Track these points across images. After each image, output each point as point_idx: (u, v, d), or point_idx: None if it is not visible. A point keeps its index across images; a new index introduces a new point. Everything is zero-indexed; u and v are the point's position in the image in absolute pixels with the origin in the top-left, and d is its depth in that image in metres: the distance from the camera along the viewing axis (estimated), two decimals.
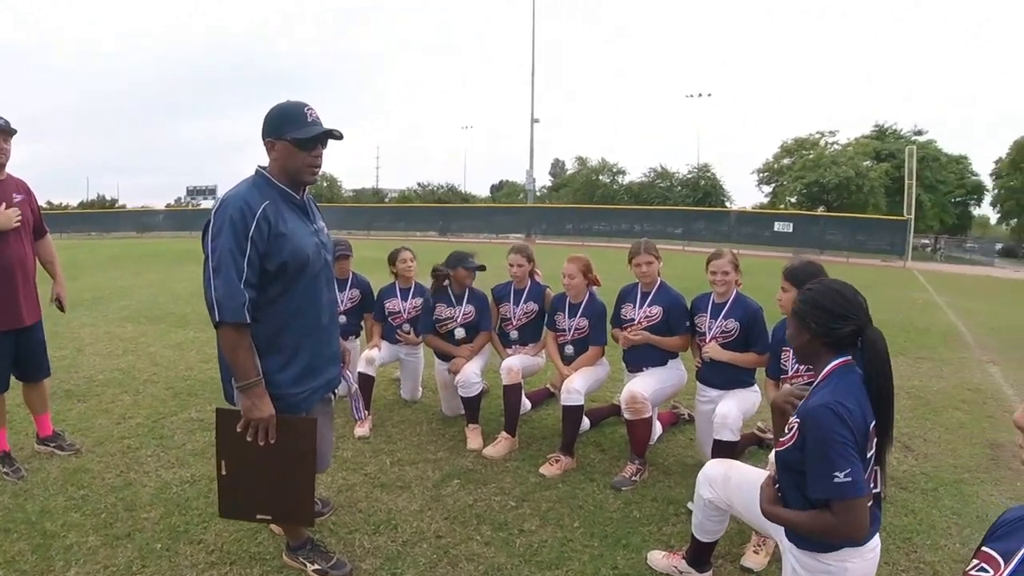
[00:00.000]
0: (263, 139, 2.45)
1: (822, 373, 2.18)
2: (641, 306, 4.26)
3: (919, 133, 51.24)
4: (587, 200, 49.88)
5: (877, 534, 2.19)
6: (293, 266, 2.43)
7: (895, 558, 2.29)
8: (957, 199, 50.51)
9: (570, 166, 63.59)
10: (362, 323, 5.37)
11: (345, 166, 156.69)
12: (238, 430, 2.42)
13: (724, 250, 4.13)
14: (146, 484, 3.70)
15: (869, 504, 2.06)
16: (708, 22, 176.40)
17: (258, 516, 2.67)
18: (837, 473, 1.96)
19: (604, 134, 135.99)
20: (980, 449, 4.92)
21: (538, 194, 52.49)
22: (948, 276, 25.10)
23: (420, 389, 5.38)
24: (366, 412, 4.47)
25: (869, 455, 2.06)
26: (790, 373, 3.54)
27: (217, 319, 2.30)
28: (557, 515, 3.47)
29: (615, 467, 4.12)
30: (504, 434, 4.36)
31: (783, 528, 2.26)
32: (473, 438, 4.44)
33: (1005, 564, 1.20)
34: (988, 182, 51.43)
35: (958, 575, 3.13)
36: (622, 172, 56.91)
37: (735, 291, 4.04)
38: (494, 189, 77.72)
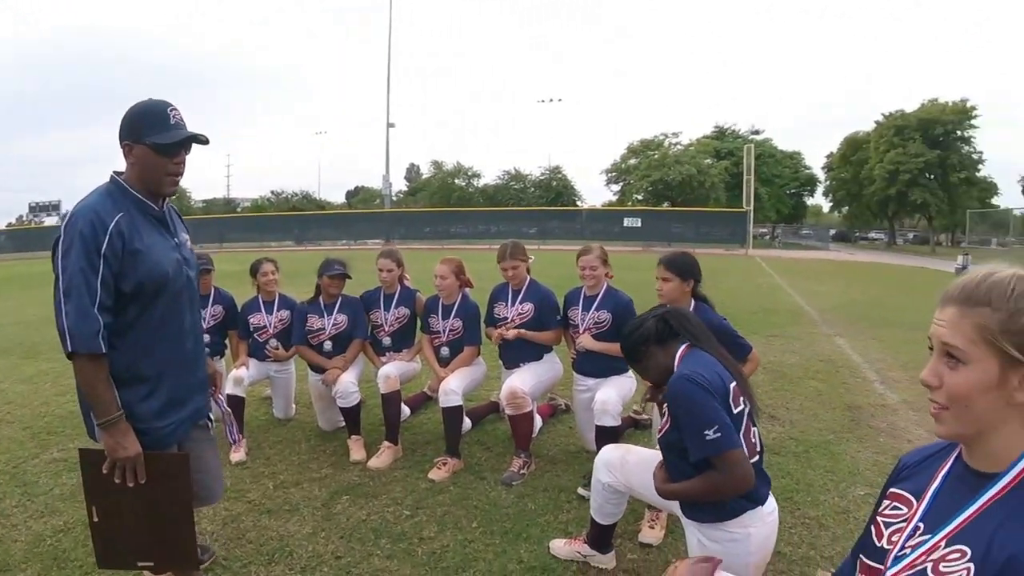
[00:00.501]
0: (120, 142, 2.16)
1: (675, 366, 2.35)
2: (513, 304, 4.32)
3: (756, 132, 56.10)
4: (444, 203, 49.92)
5: (772, 497, 2.34)
6: (151, 286, 2.15)
7: (780, 517, 2.43)
8: (792, 191, 55.79)
9: (425, 170, 63.63)
10: (227, 341, 5.02)
11: (194, 175, 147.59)
12: (104, 471, 2.14)
13: (593, 245, 4.23)
14: (16, 539, 3.27)
15: (754, 461, 2.23)
16: (555, 30, 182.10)
17: (139, 564, 2.40)
18: (707, 431, 2.11)
19: (459, 139, 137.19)
20: (840, 412, 5.41)
21: (395, 199, 51.88)
22: (788, 261, 27.23)
23: (294, 406, 5.14)
24: (239, 436, 4.20)
25: (738, 411, 2.23)
26: None
27: (70, 349, 2.01)
28: (454, 518, 3.43)
29: (502, 463, 4.13)
30: (386, 443, 4.25)
31: (679, 506, 2.38)
32: (356, 450, 4.29)
33: (918, 502, 1.27)
34: (820, 175, 56.81)
35: (841, 525, 3.43)
36: (477, 175, 57.50)
37: (605, 284, 4.16)
38: (350, 195, 76.24)
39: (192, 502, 2.32)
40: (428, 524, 3.37)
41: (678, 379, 2.22)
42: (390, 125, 43.03)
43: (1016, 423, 1.13)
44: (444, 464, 4.01)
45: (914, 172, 43.75)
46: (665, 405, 2.32)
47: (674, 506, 2.50)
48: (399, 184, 70.33)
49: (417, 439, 4.60)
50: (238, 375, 4.50)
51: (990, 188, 47.24)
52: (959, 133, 44.90)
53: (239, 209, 64.38)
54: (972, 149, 45.37)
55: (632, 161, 50.84)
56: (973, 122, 44.89)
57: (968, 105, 44.91)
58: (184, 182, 2.52)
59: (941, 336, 1.17)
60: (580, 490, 3.71)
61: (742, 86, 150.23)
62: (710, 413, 2.14)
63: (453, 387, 4.09)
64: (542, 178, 54.84)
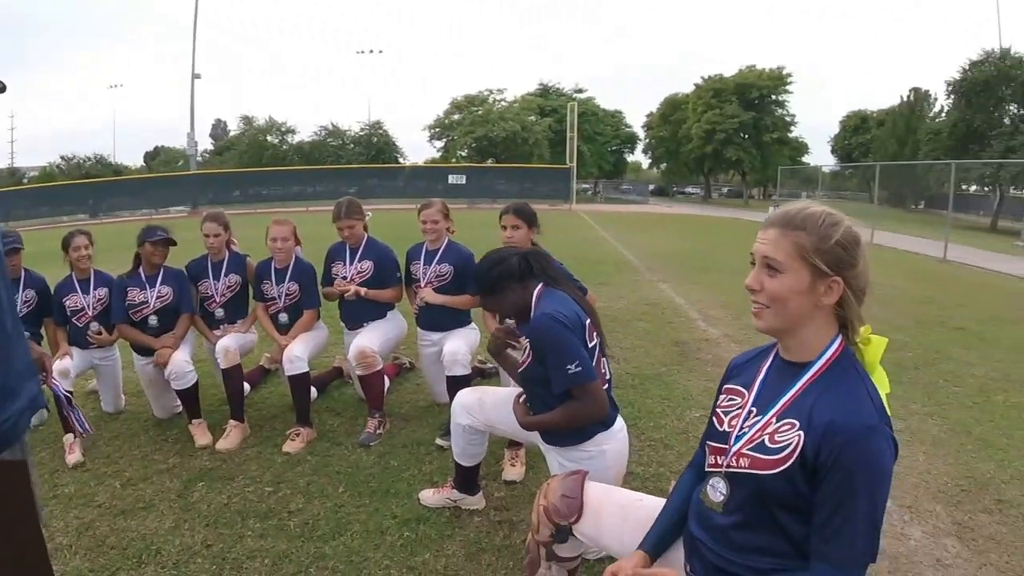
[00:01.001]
0: None
1: (532, 304, 2.56)
2: (352, 262, 4.29)
3: (580, 91, 57.18)
4: (255, 163, 45.71)
5: (620, 417, 2.63)
6: None
7: (630, 442, 2.79)
8: (613, 148, 58.63)
9: (234, 127, 58.32)
10: (43, 330, 4.43)
11: None
12: None
13: (434, 200, 4.31)
14: None
15: (605, 388, 2.52)
16: None
17: None
18: (569, 366, 2.34)
19: (271, 91, 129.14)
20: (669, 348, 6.04)
21: (200, 160, 47.31)
22: (610, 214, 28.72)
23: (123, 396, 4.64)
24: (88, 427, 3.66)
25: (592, 344, 2.50)
26: None
27: None
28: (319, 487, 3.42)
29: (356, 427, 4.15)
30: (232, 422, 4.02)
31: (539, 435, 2.61)
32: (200, 434, 4.01)
33: (748, 392, 1.61)
34: (641, 133, 60.02)
35: (683, 444, 3.92)
36: (292, 131, 53.19)
37: (447, 239, 4.24)
38: (148, 158, 68.13)
39: (38, 514, 2.15)
40: (293, 497, 3.33)
41: (542, 317, 2.42)
42: (196, 76, 38.39)
43: (821, 320, 1.49)
44: (297, 435, 3.92)
45: (729, 132, 48.10)
46: (526, 340, 2.53)
47: (534, 437, 2.72)
48: (204, 143, 64.53)
49: (263, 414, 4.44)
50: (62, 367, 3.87)
51: (801, 147, 52.98)
52: (774, 97, 49.76)
53: (25, 180, 57.01)
54: (785, 112, 50.80)
55: (456, 117, 50.47)
56: (788, 87, 49.94)
57: (784, 72, 49.67)
58: None
59: (764, 251, 1.48)
60: (438, 440, 3.84)
61: (567, 45, 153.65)
62: (572, 349, 2.36)
63: (298, 353, 4.00)
64: (362, 134, 52.44)
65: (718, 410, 1.68)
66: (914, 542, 3.13)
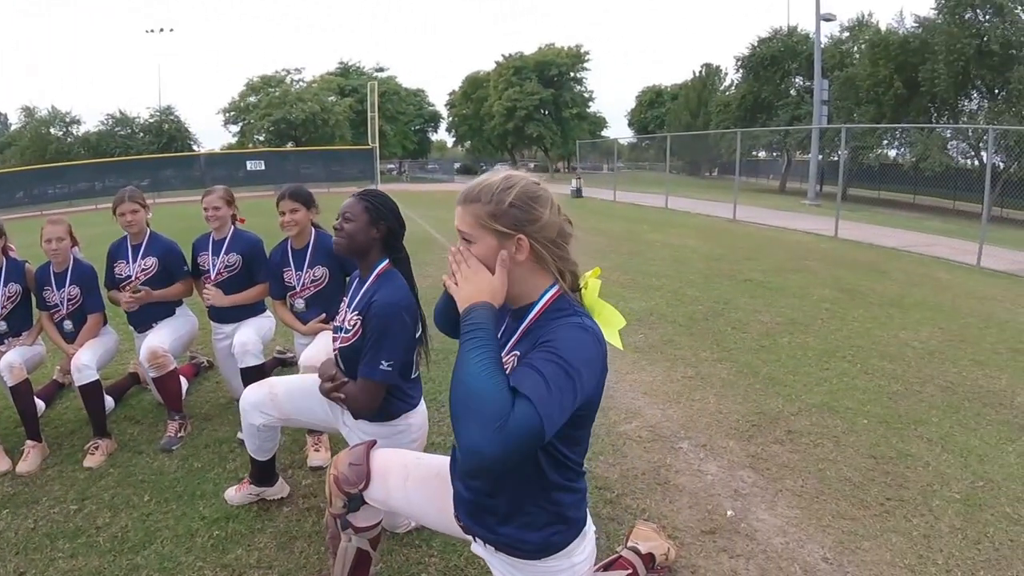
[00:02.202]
0: None
1: (374, 273, 2.66)
2: (135, 260, 4.13)
3: (380, 70, 56.78)
4: (39, 160, 40.98)
5: (422, 397, 2.83)
6: None
7: (429, 414, 3.12)
8: (417, 127, 58.59)
9: (14, 120, 51.56)
10: None
11: None
12: None
13: (217, 187, 4.26)
14: None
15: (415, 376, 2.72)
16: None
17: None
18: (384, 362, 2.48)
19: (52, 77, 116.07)
20: None
21: None
22: (416, 194, 28.87)
23: None
24: None
25: (418, 334, 2.67)
26: (298, 288, 3.89)
27: None
28: (124, 498, 3.33)
29: (156, 433, 4.05)
30: (29, 443, 3.75)
31: (347, 412, 2.69)
32: None
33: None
34: (444, 112, 60.84)
35: None
36: (77, 121, 47.81)
37: (232, 227, 4.19)
38: None
39: None
40: (100, 512, 3.22)
41: (391, 306, 2.50)
42: None
43: (527, 273, 1.66)
44: (96, 448, 3.75)
45: (530, 109, 49.66)
46: (358, 315, 2.56)
47: (334, 422, 2.85)
48: None
49: (60, 431, 4.18)
50: None
51: (599, 122, 56.25)
52: (572, 75, 51.72)
53: None
54: (584, 88, 53.02)
55: (252, 99, 48.22)
56: (586, 65, 52.53)
57: (582, 51, 51.69)
58: None
59: (456, 225, 1.67)
60: (240, 435, 3.77)
61: (366, 24, 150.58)
62: (398, 347, 2.50)
63: (86, 361, 3.77)
64: (152, 121, 48.26)
65: None
66: (711, 477, 3.49)
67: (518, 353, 1.63)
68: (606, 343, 1.63)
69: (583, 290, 1.75)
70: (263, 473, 3.13)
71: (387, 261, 2.68)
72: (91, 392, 3.79)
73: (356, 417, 2.66)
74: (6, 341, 4.02)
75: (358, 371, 2.53)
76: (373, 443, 2.24)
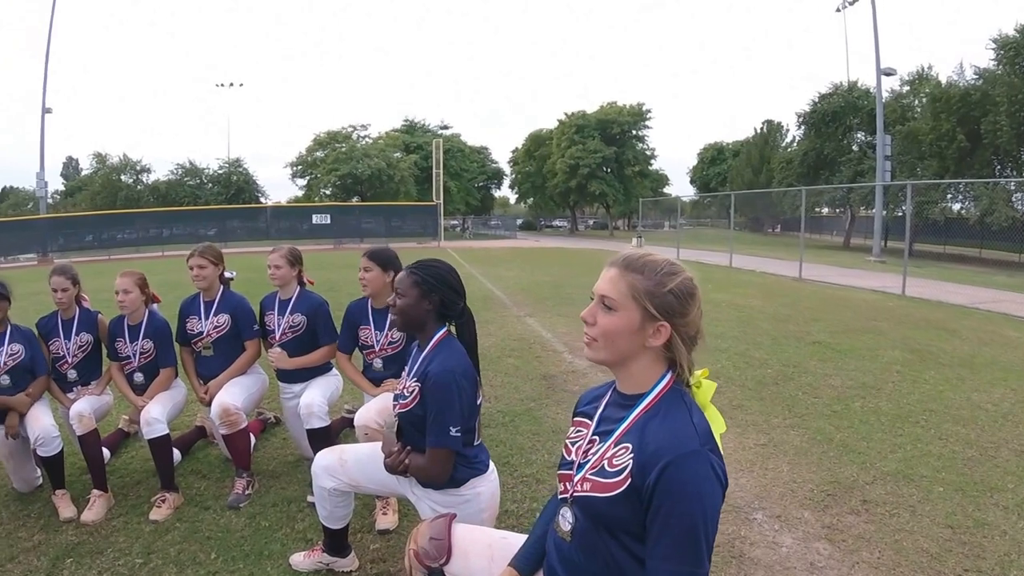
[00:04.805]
0: None
1: (431, 341, 2.64)
2: (207, 316, 4.16)
3: (445, 127, 58.62)
4: (109, 205, 43.99)
5: (491, 460, 2.74)
6: None
7: (501, 479, 2.88)
8: (480, 184, 59.80)
9: (86, 166, 55.15)
10: None
11: None
12: None
13: (282, 246, 4.28)
14: None
15: (478, 443, 2.66)
16: (236, 9, 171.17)
17: None
18: (452, 428, 2.45)
19: (125, 127, 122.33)
20: (537, 383, 6.26)
21: (50, 201, 44.04)
22: (478, 250, 29.27)
23: None
24: None
25: (479, 402, 2.61)
26: (376, 348, 3.88)
27: None
28: (190, 554, 3.29)
29: (223, 489, 4.02)
30: (96, 492, 3.77)
31: (414, 481, 2.64)
32: (64, 506, 3.73)
33: (591, 422, 1.76)
34: (507, 168, 62.51)
35: (554, 478, 3.93)
36: (147, 170, 51.24)
37: (298, 287, 4.22)
38: None
39: None
40: (165, 567, 3.18)
41: (449, 374, 2.47)
42: (47, 111, 35.58)
43: (650, 359, 1.63)
44: (163, 501, 3.74)
45: (593, 166, 49.96)
46: (417, 382, 2.55)
47: (402, 489, 2.77)
48: (55, 183, 60.44)
49: (126, 481, 4.20)
50: None
51: (662, 179, 56.74)
52: (634, 132, 52.44)
53: None
54: (645, 146, 53.74)
55: (319, 154, 49.86)
56: (647, 123, 53.22)
57: (644, 108, 52.54)
58: None
59: (602, 289, 1.62)
60: (309, 498, 3.72)
61: (433, 82, 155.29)
62: (461, 413, 2.46)
63: (155, 415, 3.80)
64: (221, 172, 50.98)
65: (567, 441, 1.81)
66: (786, 549, 3.33)
67: (629, 445, 1.57)
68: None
69: (695, 388, 1.69)
70: (335, 542, 3.07)
71: (444, 330, 2.68)
72: (160, 445, 3.81)
73: (425, 485, 2.62)
74: (75, 389, 4.11)
75: (426, 442, 2.50)
76: (453, 516, 2.18)
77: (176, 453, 4.26)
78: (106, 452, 4.26)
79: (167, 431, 3.85)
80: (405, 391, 2.62)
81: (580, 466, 1.68)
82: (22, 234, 33.09)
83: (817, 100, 36.02)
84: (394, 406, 2.71)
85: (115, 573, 3.16)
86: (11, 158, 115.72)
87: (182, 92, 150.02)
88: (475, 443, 2.65)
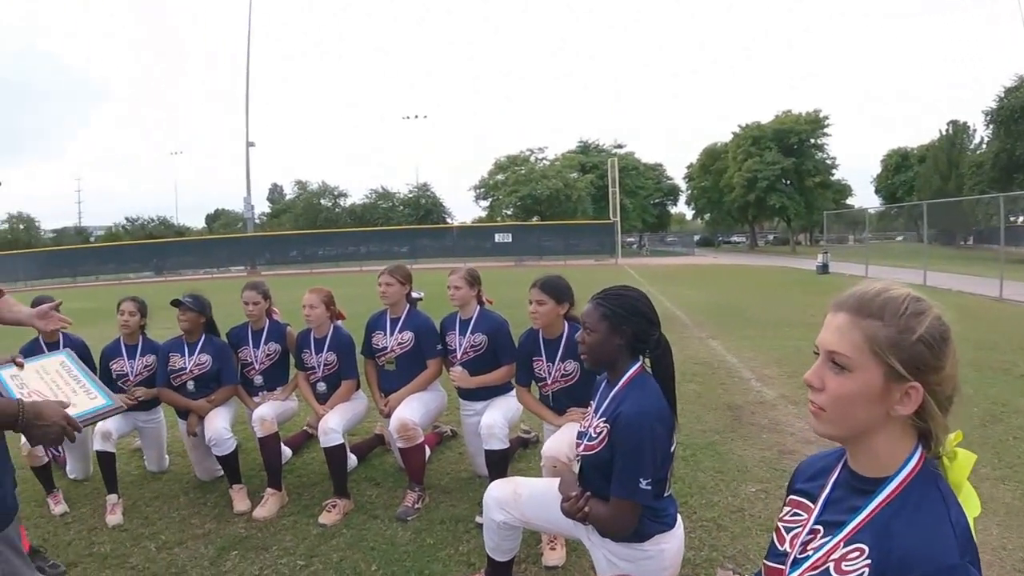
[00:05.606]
0: None
1: (623, 379, 2.33)
2: (393, 333, 4.23)
3: (619, 146, 59.05)
4: (310, 225, 48.62)
5: (679, 515, 2.41)
6: None
7: (685, 527, 2.58)
8: (656, 201, 59.53)
9: (289, 191, 61.76)
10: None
11: (41, 203, 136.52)
12: None
13: (461, 267, 4.29)
14: None
15: (668, 493, 2.31)
16: (422, 45, 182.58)
17: None
18: (642, 479, 2.14)
19: (324, 157, 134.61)
20: (721, 413, 5.66)
21: (257, 222, 49.95)
22: (656, 268, 28.68)
23: (167, 457, 4.68)
24: (117, 496, 3.90)
25: (672, 448, 2.28)
26: (549, 381, 3.66)
27: None
28: (352, 563, 3.29)
29: (395, 498, 4.03)
30: (270, 490, 3.96)
31: (592, 527, 2.37)
32: (239, 500, 3.98)
33: (813, 506, 1.36)
34: (682, 184, 61.18)
35: (737, 523, 3.56)
36: (344, 195, 56.85)
37: (478, 307, 4.17)
38: (210, 219, 72.26)
39: None
40: (325, 572, 3.21)
41: (643, 416, 2.19)
42: (250, 144, 41.45)
43: (895, 432, 1.21)
44: (334, 506, 3.82)
45: (771, 179, 47.77)
46: (605, 423, 2.29)
47: (576, 531, 2.52)
48: (262, 206, 67.46)
49: (302, 481, 4.38)
50: (105, 429, 3.95)
51: (844, 190, 52.97)
52: (813, 141, 49.75)
53: (92, 239, 59.96)
54: (825, 155, 50.74)
55: (500, 177, 51.72)
56: (826, 130, 50.18)
57: (821, 115, 49.79)
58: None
59: (829, 343, 1.22)
60: (478, 519, 3.58)
61: (605, 103, 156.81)
62: (654, 463, 2.17)
63: (332, 425, 3.92)
64: (410, 196, 54.73)
65: (780, 524, 1.43)
66: None
67: (866, 548, 1.19)
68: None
69: (949, 462, 1.27)
70: (499, 573, 2.90)
71: (638, 365, 2.37)
72: (335, 454, 3.92)
73: (603, 535, 2.38)
74: (261, 393, 4.38)
75: (611, 490, 2.23)
76: None
77: (352, 459, 4.40)
78: (287, 451, 4.54)
79: (342, 441, 3.96)
80: (592, 431, 2.35)
81: (796, 562, 1.31)
82: (234, 249, 38.32)
83: (1003, 95, 32.25)
84: (577, 444, 2.46)
85: (276, 571, 3.23)
86: (224, 185, 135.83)
87: (373, 125, 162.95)
88: (665, 494, 2.33)
